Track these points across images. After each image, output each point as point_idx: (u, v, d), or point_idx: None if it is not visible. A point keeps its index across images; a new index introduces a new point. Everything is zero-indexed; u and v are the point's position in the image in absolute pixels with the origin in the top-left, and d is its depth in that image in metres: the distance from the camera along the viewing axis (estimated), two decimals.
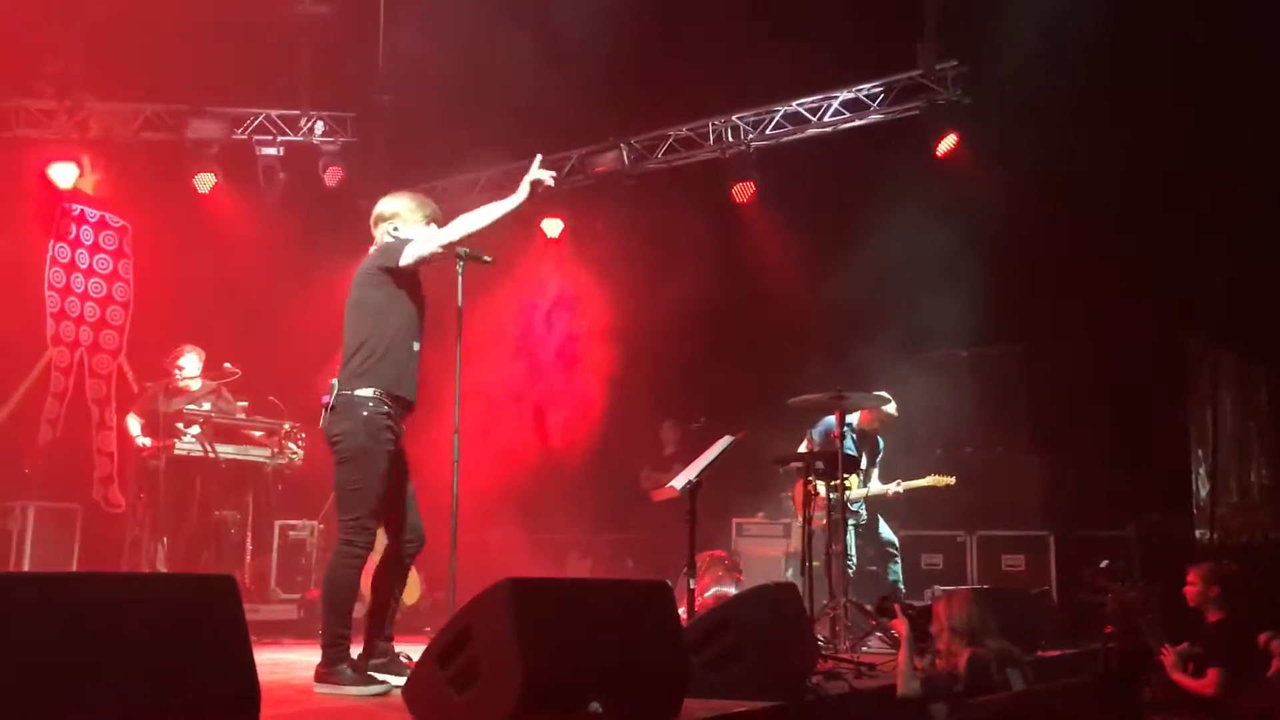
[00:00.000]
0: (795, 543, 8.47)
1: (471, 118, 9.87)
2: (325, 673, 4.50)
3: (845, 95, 9.26)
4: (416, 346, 4.76)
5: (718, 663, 4.29)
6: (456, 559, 4.83)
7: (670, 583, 4.20)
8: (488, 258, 5.11)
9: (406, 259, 4.64)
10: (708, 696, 4.07)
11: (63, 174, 9.73)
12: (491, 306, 8.91)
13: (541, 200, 9.83)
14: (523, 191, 4.74)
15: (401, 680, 4.47)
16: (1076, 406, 8.62)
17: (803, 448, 7.09)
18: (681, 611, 4.90)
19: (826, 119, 9.39)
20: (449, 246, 4.72)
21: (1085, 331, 8.59)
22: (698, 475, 5.75)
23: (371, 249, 4.93)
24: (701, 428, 8.71)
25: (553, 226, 10.67)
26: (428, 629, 7.41)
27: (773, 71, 9.21)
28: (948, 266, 8.29)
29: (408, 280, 4.76)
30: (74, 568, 8.34)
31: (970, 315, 8.54)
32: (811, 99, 9.41)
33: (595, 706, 3.39)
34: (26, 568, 8.07)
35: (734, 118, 9.73)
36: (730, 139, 9.79)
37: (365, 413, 4.56)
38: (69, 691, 2.35)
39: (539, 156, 4.81)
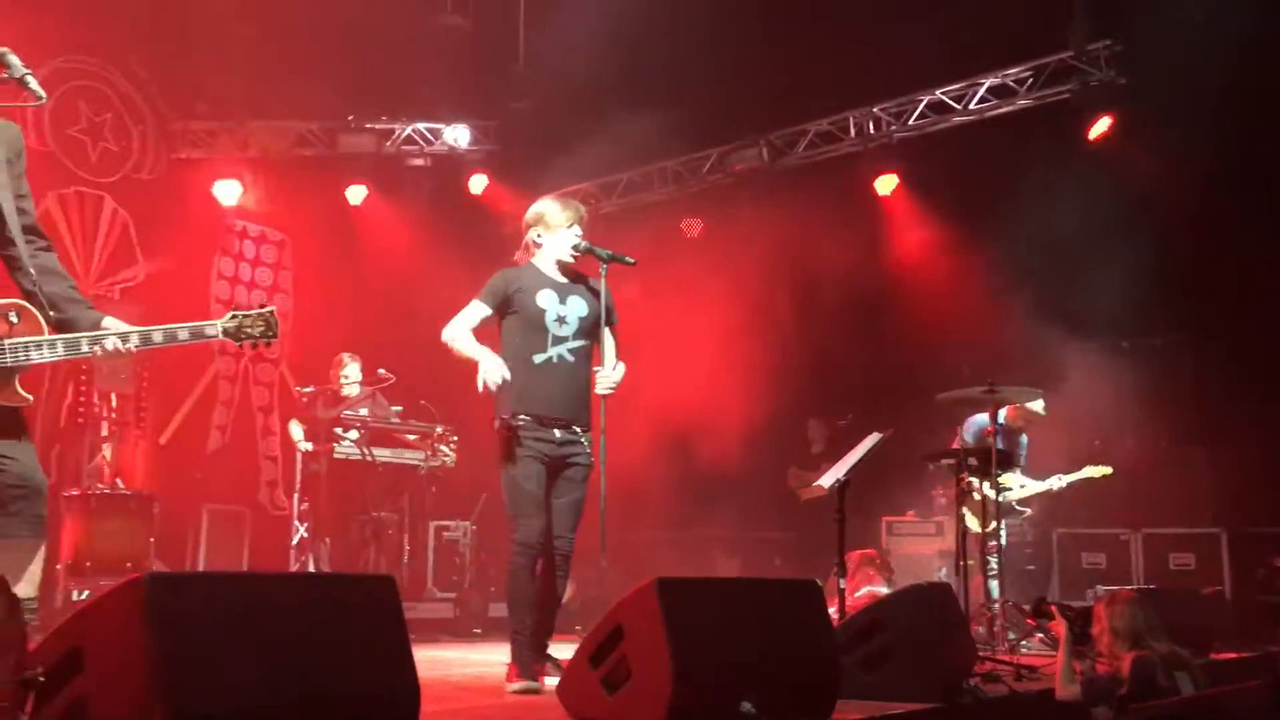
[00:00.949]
0: (948, 541, 8.29)
1: (610, 121, 9.95)
2: (508, 665, 4.63)
3: (991, 81, 9.01)
4: (539, 359, 4.81)
5: (870, 663, 4.21)
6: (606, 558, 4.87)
7: (820, 582, 4.15)
8: (630, 259, 5.12)
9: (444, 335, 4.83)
10: (860, 697, 4.01)
11: (225, 191, 10.21)
12: (634, 307, 8.96)
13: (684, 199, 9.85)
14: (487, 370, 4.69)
15: (555, 680, 4.57)
16: (1248, 397, 8.17)
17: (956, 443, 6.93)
18: (832, 611, 4.83)
19: (972, 106, 9.15)
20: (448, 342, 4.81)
21: (1255, 320, 8.14)
22: (846, 473, 5.67)
23: (517, 254, 5.04)
24: (849, 425, 8.59)
25: (694, 226, 10.69)
26: (579, 628, 7.50)
27: (914, 60, 9.03)
28: (1104, 254, 7.97)
29: (507, 306, 4.84)
30: (244, 566, 8.74)
31: (1130, 304, 8.19)
32: (955, 86, 9.19)
33: (747, 707, 3.37)
34: (202, 566, 8.49)
35: (875, 109, 9.57)
36: (871, 131, 9.63)
37: (497, 427, 4.72)
38: (248, 684, 2.46)
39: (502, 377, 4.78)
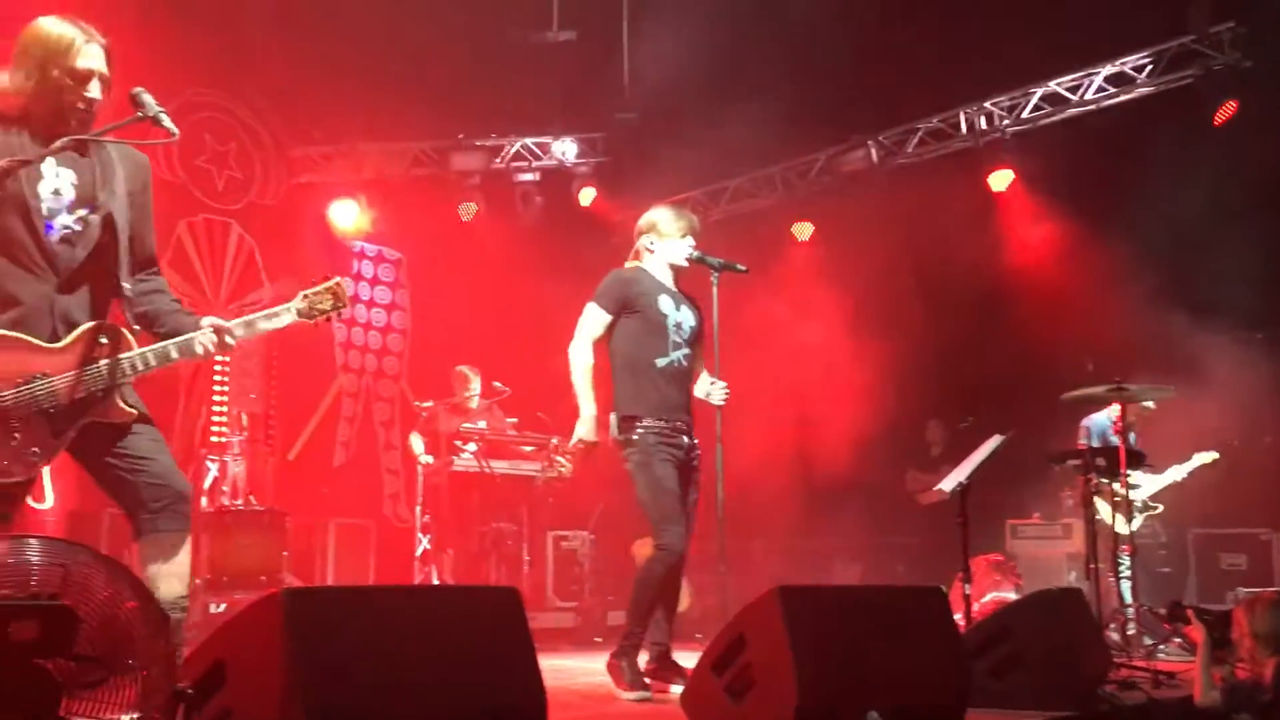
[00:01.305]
0: (1076, 543, 8.06)
1: (715, 128, 9.94)
2: (611, 664, 4.69)
3: (1108, 70, 8.75)
4: (661, 363, 4.84)
5: (1000, 671, 4.13)
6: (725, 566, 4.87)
7: (944, 588, 4.08)
8: (742, 266, 5.14)
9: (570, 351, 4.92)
10: (990, 706, 3.93)
11: (343, 213, 10.50)
12: (747, 313, 8.95)
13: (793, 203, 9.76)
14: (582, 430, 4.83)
15: (677, 689, 4.58)
16: None
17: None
18: (958, 618, 4.74)
19: (1089, 96, 8.89)
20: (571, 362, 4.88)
21: None
22: (968, 476, 5.56)
23: (628, 261, 5.09)
24: (969, 426, 8.42)
25: (803, 230, 10.61)
26: (699, 636, 7.50)
27: (1025, 52, 8.81)
28: (1233, 242, 7.67)
29: (626, 309, 4.90)
30: (370, 579, 8.95)
31: (1263, 294, 7.86)
32: (1070, 77, 8.94)
33: (874, 716, 3.33)
34: (330, 579, 8.72)
35: (987, 104, 9.37)
36: (984, 126, 9.43)
37: (636, 435, 4.75)
38: (382, 697, 2.52)
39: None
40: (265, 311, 3.51)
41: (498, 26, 9.82)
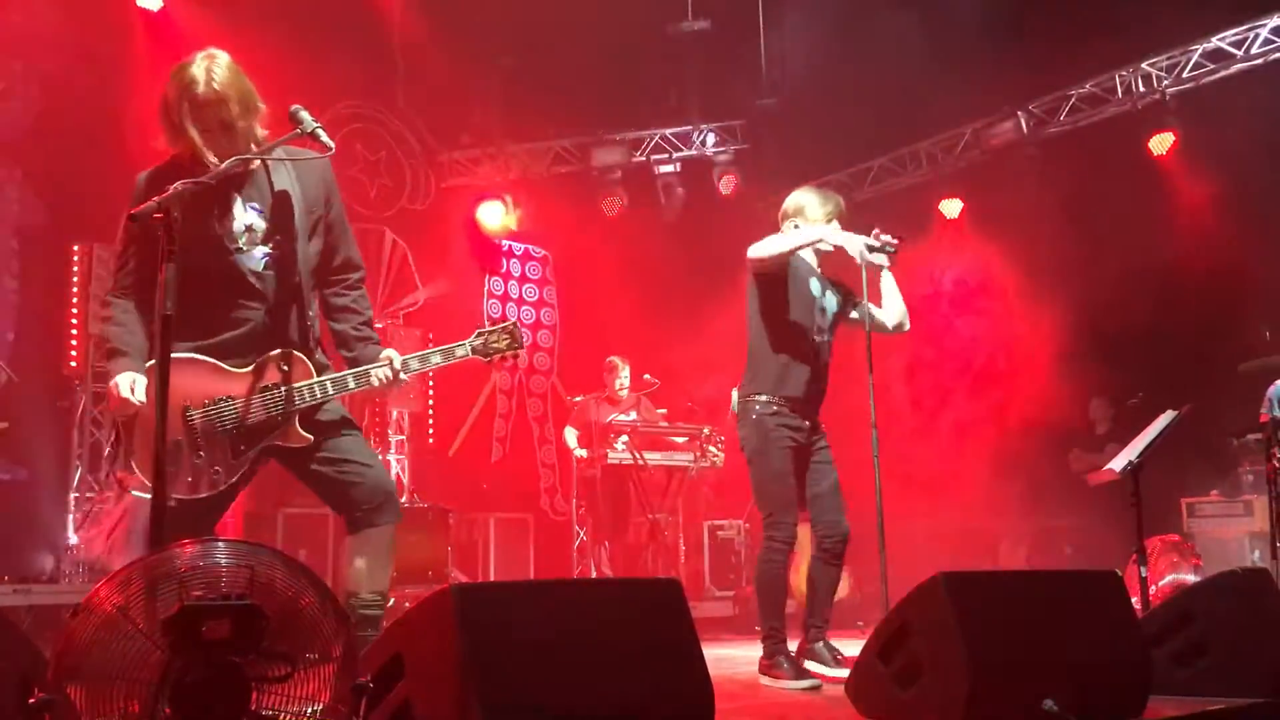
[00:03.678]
0: (1259, 522, 7.65)
1: (857, 107, 9.78)
2: (766, 665, 4.70)
3: (1275, 21, 8.26)
4: (804, 345, 4.81)
5: (1184, 657, 3.94)
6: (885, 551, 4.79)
7: (1119, 571, 3.92)
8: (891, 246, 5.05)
9: (751, 253, 4.73)
10: (1175, 693, 3.76)
11: (490, 214, 10.72)
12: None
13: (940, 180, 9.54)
14: (849, 241, 4.72)
15: (835, 673, 4.55)
16: None
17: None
18: (1134, 602, 4.56)
19: (1255, 51, 8.42)
20: (762, 252, 4.72)
21: None
22: (1139, 455, 5.34)
23: None
24: (1138, 403, 8.07)
25: (951, 207, 10.35)
26: (860, 623, 7.42)
27: (1184, 8, 8.39)
28: None
29: (777, 280, 4.82)
30: (530, 572, 9.13)
31: None
32: (1234, 31, 8.48)
33: (1050, 705, 3.23)
34: (492, 574, 8.93)
35: (1144, 65, 8.96)
36: (1141, 89, 9.02)
37: (754, 416, 4.71)
38: (552, 688, 2.57)
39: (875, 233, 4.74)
40: (442, 348, 3.65)
41: (633, 20, 9.86)
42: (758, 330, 4.87)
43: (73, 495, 7.65)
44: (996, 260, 9.21)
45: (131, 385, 3.29)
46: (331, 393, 3.46)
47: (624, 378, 8.91)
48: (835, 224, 4.94)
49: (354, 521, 3.51)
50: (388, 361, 3.54)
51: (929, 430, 8.83)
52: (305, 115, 3.36)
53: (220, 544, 2.29)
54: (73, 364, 7.98)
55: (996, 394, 8.82)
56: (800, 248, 4.76)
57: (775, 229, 5.10)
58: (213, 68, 3.36)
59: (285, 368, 3.42)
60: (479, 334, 3.68)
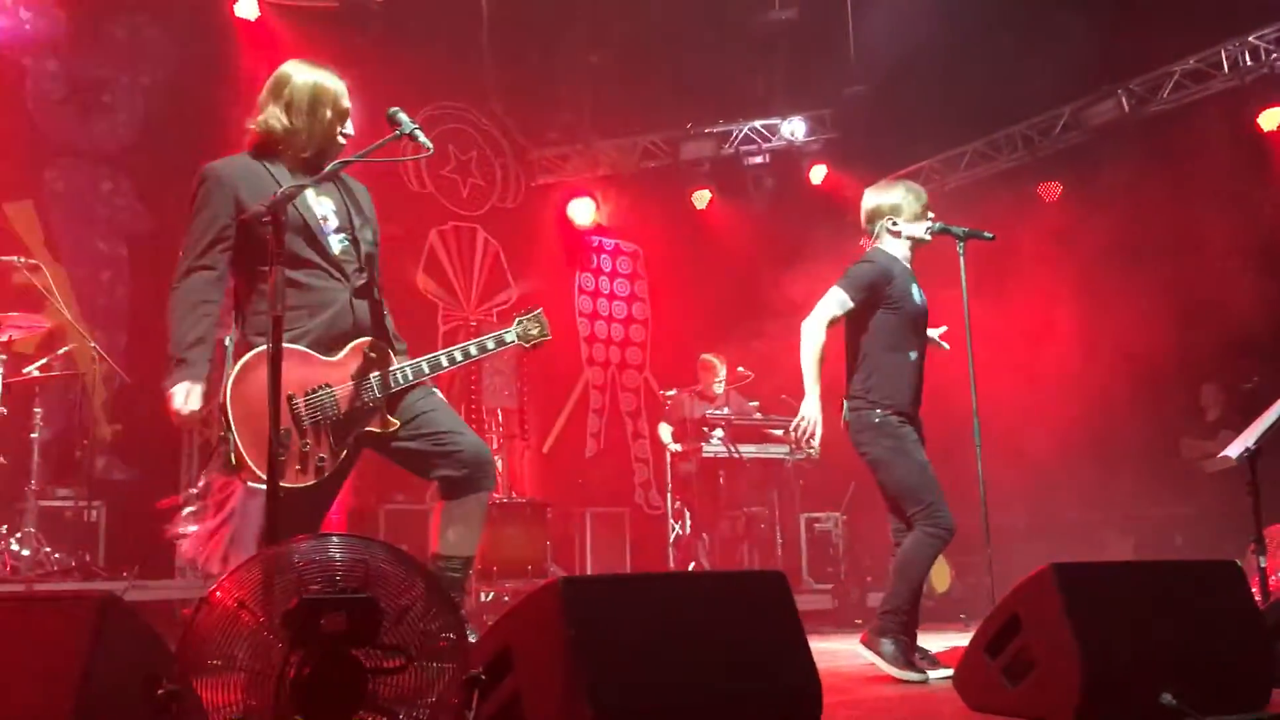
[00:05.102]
0: None
1: (947, 92, 9.61)
2: (869, 639, 4.60)
3: None
4: (914, 356, 4.75)
5: None
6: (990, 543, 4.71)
7: (1237, 562, 3.79)
8: (989, 234, 4.98)
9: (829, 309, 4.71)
10: None
11: (580, 210, 10.79)
12: (995, 282, 8.63)
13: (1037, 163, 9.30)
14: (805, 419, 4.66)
15: (935, 673, 4.48)
16: None
17: None
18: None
19: None
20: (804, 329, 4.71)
21: None
22: (1256, 441, 5.15)
23: (869, 245, 4.94)
24: (1253, 387, 7.79)
25: (1050, 190, 10.10)
26: (962, 615, 7.31)
27: None
28: None
29: (878, 302, 4.75)
30: (626, 566, 9.17)
31: None
32: None
33: (1168, 699, 3.14)
34: (589, 568, 8.99)
35: (1251, 38, 8.64)
36: (1249, 62, 8.71)
37: (877, 421, 4.67)
38: (660, 681, 2.57)
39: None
40: (493, 334, 3.77)
41: (718, 12, 9.83)
42: (870, 348, 4.77)
43: (184, 493, 7.88)
44: (1098, 243, 8.97)
45: (186, 396, 3.38)
46: (412, 378, 3.57)
47: (720, 374, 8.92)
48: (930, 215, 4.88)
49: (453, 485, 3.58)
50: (449, 351, 3.67)
51: (1032, 419, 8.64)
52: (404, 117, 3.42)
53: (335, 538, 2.34)
54: None
55: (1100, 381, 8.59)
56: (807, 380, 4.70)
57: (859, 222, 5.03)
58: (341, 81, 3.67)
59: (373, 354, 3.51)
60: (519, 321, 3.83)
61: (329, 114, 3.59)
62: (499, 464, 9.25)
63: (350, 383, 3.44)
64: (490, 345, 3.73)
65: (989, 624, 3.50)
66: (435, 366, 3.60)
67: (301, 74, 3.61)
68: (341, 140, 3.63)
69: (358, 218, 3.64)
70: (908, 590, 4.61)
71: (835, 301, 4.73)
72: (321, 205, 3.59)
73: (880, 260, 4.80)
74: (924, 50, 9.17)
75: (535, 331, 3.82)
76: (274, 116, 3.58)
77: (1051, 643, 3.20)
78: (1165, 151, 8.76)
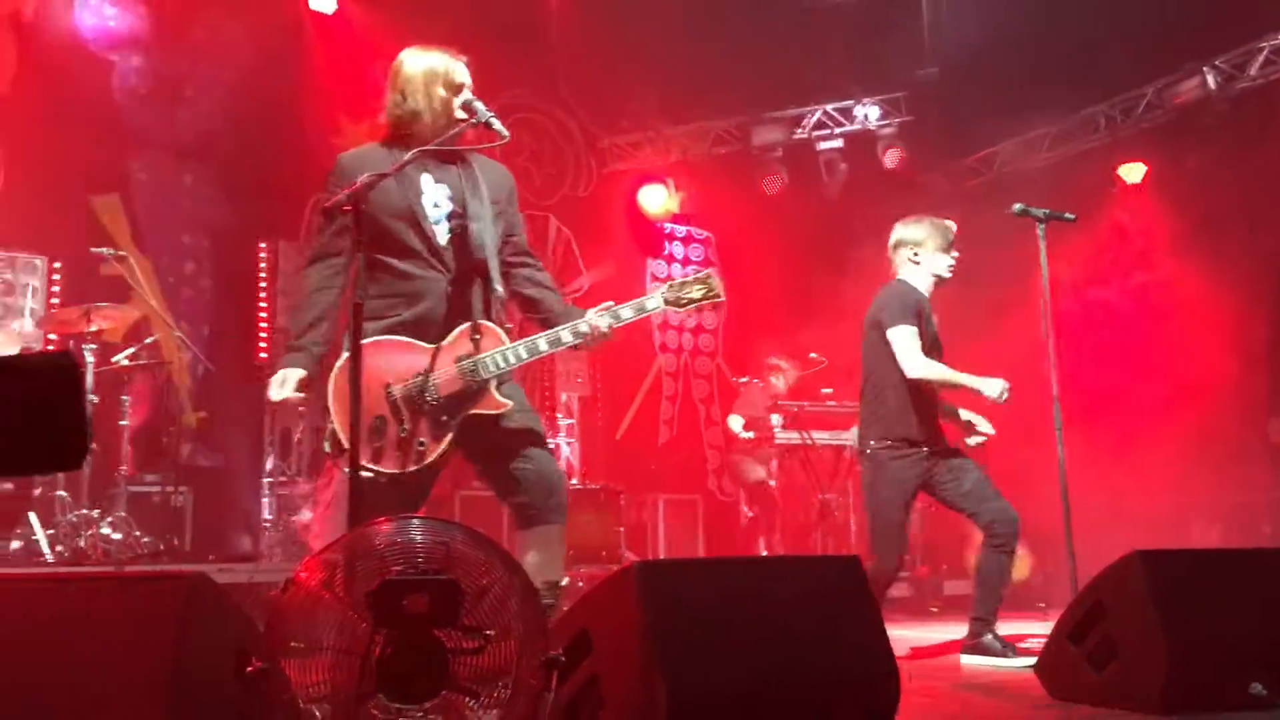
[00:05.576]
0: None
1: (1023, 73, 9.42)
2: (971, 644, 4.62)
3: None
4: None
5: None
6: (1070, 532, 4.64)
7: None
8: (1070, 215, 4.93)
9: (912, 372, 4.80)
10: None
11: (652, 198, 10.80)
12: (1076, 265, 8.49)
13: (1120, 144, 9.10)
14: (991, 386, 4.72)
15: (1012, 663, 4.44)
16: None
17: None
18: None
19: None
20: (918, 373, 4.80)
21: None
22: None
23: (900, 274, 5.03)
24: None
25: (1133, 171, 9.86)
26: (1041, 604, 7.19)
27: None
28: None
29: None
30: (700, 553, 9.17)
31: None
32: None
33: (1258, 688, 3.08)
34: (662, 553, 9.01)
35: None
36: None
37: (868, 451, 4.90)
38: (736, 664, 2.58)
39: None
40: (632, 302, 3.58)
41: None
42: (890, 372, 4.87)
43: (265, 480, 8.06)
44: (1184, 224, 8.75)
45: (281, 383, 3.43)
46: (525, 357, 3.50)
47: (789, 378, 8.87)
48: (954, 252, 4.99)
49: (529, 517, 3.54)
50: (581, 319, 3.55)
51: (1114, 404, 8.47)
52: (480, 106, 3.45)
53: (416, 521, 2.38)
54: (262, 355, 8.41)
55: (1186, 363, 8.39)
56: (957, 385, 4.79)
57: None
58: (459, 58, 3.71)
59: (477, 336, 3.50)
60: (670, 285, 3.63)
61: (442, 91, 3.60)
62: (573, 450, 9.31)
63: (452, 367, 3.46)
64: (626, 314, 3.53)
65: (1072, 611, 3.46)
66: (555, 343, 3.52)
67: (412, 58, 3.65)
68: (461, 114, 3.58)
69: (474, 202, 3.61)
70: (984, 593, 4.69)
71: (908, 337, 4.83)
72: (436, 191, 3.58)
73: (913, 290, 4.96)
74: (999, 29, 9.00)
75: (697, 294, 3.61)
76: (393, 103, 3.63)
77: (1137, 630, 3.15)
78: (1254, 130, 8.51)
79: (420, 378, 3.41)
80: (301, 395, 3.43)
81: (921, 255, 4.96)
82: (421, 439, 3.38)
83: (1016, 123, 10.20)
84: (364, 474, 3.09)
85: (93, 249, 7.41)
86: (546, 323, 3.65)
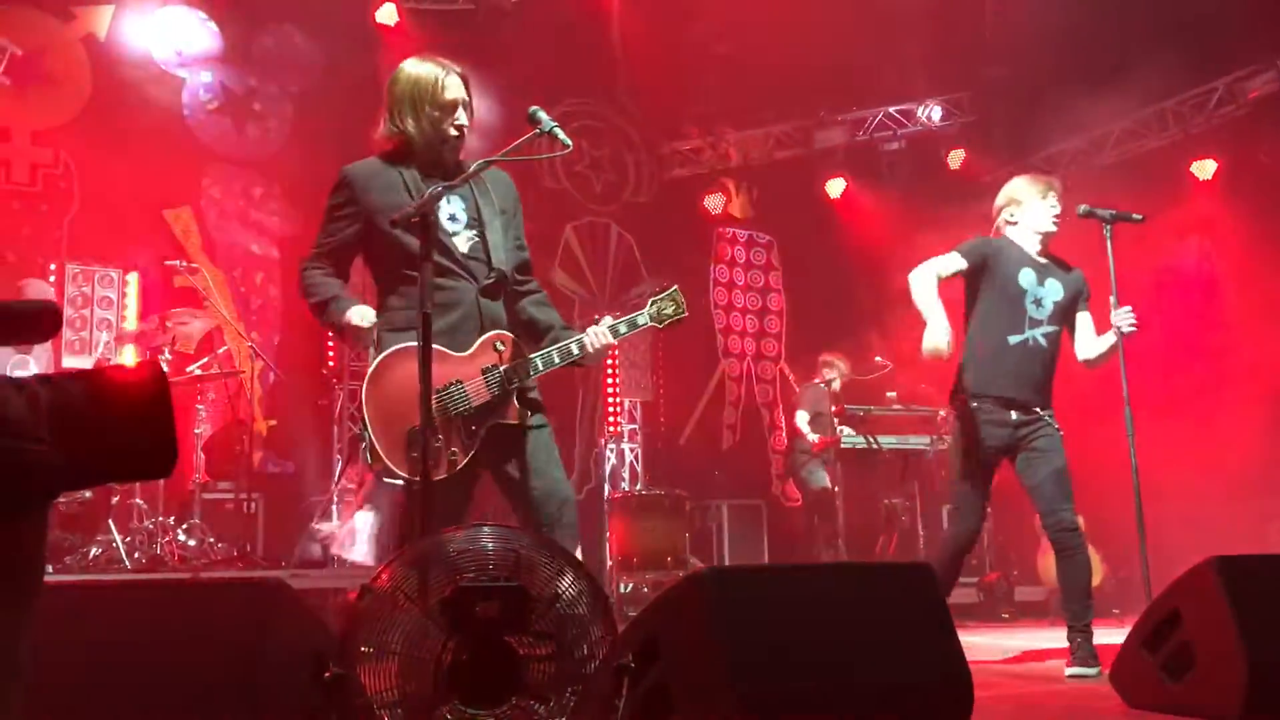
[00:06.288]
0: None
1: (1090, 69, 9.27)
2: (1070, 657, 4.55)
3: None
4: (1014, 340, 4.70)
5: None
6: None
7: None
8: (1138, 216, 4.83)
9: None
10: None
11: (713, 202, 10.80)
12: (1148, 265, 8.34)
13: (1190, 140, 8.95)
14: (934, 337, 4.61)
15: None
16: None
17: None
18: None
19: None
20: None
21: None
22: None
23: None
24: None
25: (1205, 168, 9.65)
26: (1115, 611, 7.09)
27: None
28: None
29: (984, 275, 4.77)
30: (764, 558, 9.14)
31: None
32: None
33: None
34: (726, 559, 8.99)
35: None
36: None
37: (959, 410, 4.75)
38: (806, 671, 2.57)
39: None
40: (626, 318, 3.66)
41: None
42: (970, 327, 4.83)
43: (335, 486, 8.19)
44: (1258, 221, 8.55)
45: (361, 315, 3.45)
46: (542, 369, 3.52)
47: (841, 374, 8.78)
48: (1052, 200, 4.81)
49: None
50: (579, 339, 3.58)
51: (1189, 405, 8.30)
52: (543, 115, 3.47)
53: (486, 529, 2.41)
54: (330, 363, 8.54)
55: (1263, 363, 8.20)
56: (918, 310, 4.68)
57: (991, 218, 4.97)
58: (451, 71, 3.60)
59: (501, 347, 3.53)
60: (652, 302, 3.69)
61: (431, 111, 3.55)
62: (636, 456, 9.33)
63: (480, 377, 3.50)
64: (623, 329, 3.64)
65: (1147, 619, 3.40)
66: (566, 355, 3.57)
67: (403, 75, 3.61)
68: (453, 133, 3.57)
69: (487, 210, 3.64)
70: (1071, 603, 4.60)
71: (946, 257, 4.76)
72: (451, 203, 3.61)
73: (993, 239, 4.86)
74: (1064, 28, 8.87)
75: (670, 310, 3.69)
76: (386, 122, 3.63)
77: (1214, 638, 3.09)
78: None
79: (452, 388, 3.44)
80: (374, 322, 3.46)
81: (1018, 214, 4.84)
82: (454, 448, 3.42)
83: (1084, 120, 10.04)
84: (394, 482, 3.11)
85: (166, 261, 7.59)
86: (554, 339, 3.64)
